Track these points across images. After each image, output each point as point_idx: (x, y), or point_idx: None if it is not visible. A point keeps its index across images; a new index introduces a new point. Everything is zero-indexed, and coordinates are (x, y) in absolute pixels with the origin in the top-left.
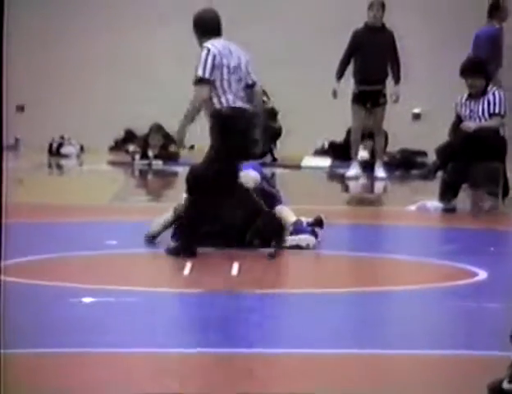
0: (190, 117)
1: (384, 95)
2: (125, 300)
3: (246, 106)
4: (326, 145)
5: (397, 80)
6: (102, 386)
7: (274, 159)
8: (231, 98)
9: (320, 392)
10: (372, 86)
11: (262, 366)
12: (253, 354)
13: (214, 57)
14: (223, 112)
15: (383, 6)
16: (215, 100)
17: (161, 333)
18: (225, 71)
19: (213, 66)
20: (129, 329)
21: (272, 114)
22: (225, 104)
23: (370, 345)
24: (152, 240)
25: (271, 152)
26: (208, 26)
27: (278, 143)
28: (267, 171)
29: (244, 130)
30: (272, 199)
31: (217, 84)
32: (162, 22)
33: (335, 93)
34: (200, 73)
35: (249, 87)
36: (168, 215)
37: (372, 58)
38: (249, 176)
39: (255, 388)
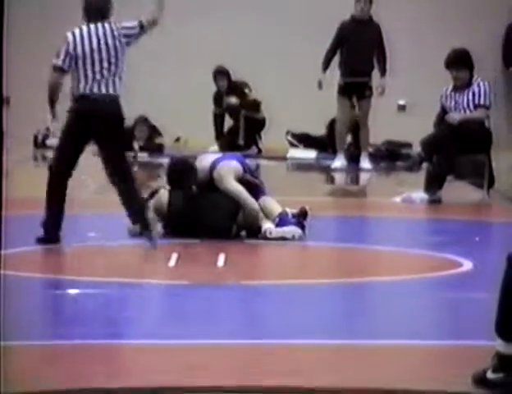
0: (49, 101)
1: (370, 87)
2: (110, 292)
3: (102, 93)
4: (292, 139)
5: (383, 72)
6: (90, 377)
7: (259, 151)
8: (85, 86)
9: (309, 383)
10: (358, 78)
11: (251, 357)
12: (242, 345)
13: (68, 45)
14: (75, 100)
15: None
16: (73, 87)
17: (146, 324)
18: (79, 60)
19: (67, 54)
20: (113, 320)
21: (255, 105)
22: (77, 92)
23: (357, 335)
24: (133, 234)
25: (255, 143)
26: (88, 11)
27: (262, 134)
28: (252, 162)
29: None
30: (256, 190)
31: (73, 72)
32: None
33: (320, 84)
34: (53, 60)
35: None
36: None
37: (358, 50)
38: (225, 167)
39: (244, 380)
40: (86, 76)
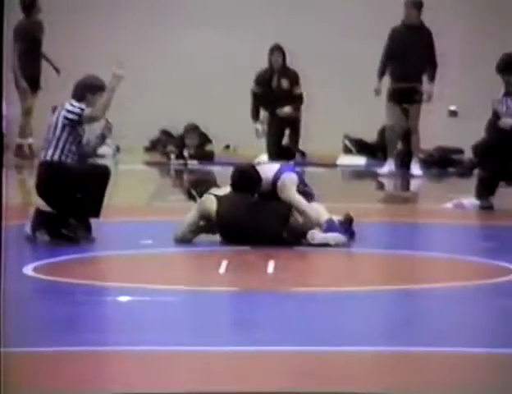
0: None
1: (420, 93)
2: (161, 299)
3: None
4: (349, 144)
5: (432, 78)
6: (144, 382)
7: (303, 154)
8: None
9: (361, 389)
10: (408, 84)
11: (301, 363)
12: (297, 351)
13: None
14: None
15: (420, 4)
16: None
17: (199, 332)
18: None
19: None
20: (166, 328)
21: (301, 102)
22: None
23: (412, 342)
24: (181, 241)
25: (298, 149)
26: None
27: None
28: (301, 169)
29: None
30: (307, 197)
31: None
32: (197, 24)
33: (377, 92)
34: None
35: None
36: (192, 213)
37: (408, 56)
38: (288, 178)
39: (291, 385)
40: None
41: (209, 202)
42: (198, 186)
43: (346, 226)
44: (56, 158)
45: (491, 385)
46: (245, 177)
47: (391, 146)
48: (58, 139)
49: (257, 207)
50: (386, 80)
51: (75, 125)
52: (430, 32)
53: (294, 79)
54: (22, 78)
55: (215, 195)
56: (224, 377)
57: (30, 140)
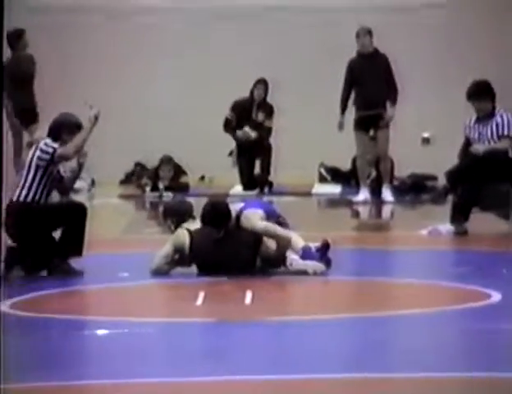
0: None
1: (385, 118)
2: (139, 332)
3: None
4: (324, 172)
5: (393, 102)
6: None
7: (270, 184)
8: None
9: None
10: (372, 110)
11: (278, 391)
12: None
13: None
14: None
15: (370, 32)
16: None
17: (177, 363)
18: None
19: None
20: (144, 359)
21: (270, 133)
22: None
23: (387, 368)
24: (156, 273)
25: (266, 181)
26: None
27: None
28: (269, 198)
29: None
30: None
31: None
32: (171, 55)
33: (341, 125)
34: None
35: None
36: (167, 247)
37: (368, 84)
38: (251, 212)
39: None
40: None
41: (182, 236)
42: (174, 217)
43: (323, 251)
44: (29, 198)
45: None
46: (216, 212)
47: (363, 174)
48: (32, 180)
49: (226, 239)
50: (352, 110)
51: (48, 165)
52: (386, 57)
53: (269, 112)
54: (13, 114)
55: (187, 230)
56: None
57: None
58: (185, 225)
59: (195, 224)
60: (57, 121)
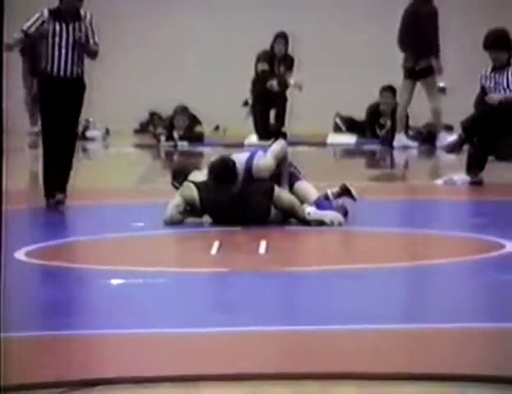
0: None
1: (432, 68)
2: (153, 282)
3: None
4: (340, 122)
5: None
6: (134, 364)
7: (285, 135)
8: None
9: (353, 369)
10: (424, 59)
11: (293, 343)
12: (286, 331)
13: None
14: None
15: None
16: None
17: (190, 313)
18: None
19: None
20: (158, 310)
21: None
22: None
23: (401, 320)
24: (169, 223)
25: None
26: None
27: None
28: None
29: None
30: (293, 179)
31: None
32: (187, 8)
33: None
34: None
35: None
36: (177, 198)
37: (423, 32)
38: (262, 164)
39: (287, 366)
40: None
41: (189, 190)
42: (179, 177)
43: (343, 195)
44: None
45: (488, 360)
46: (223, 170)
47: (401, 122)
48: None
49: (240, 193)
50: (400, 58)
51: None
52: (435, 9)
53: (289, 65)
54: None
55: (193, 182)
56: (214, 358)
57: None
58: (191, 176)
59: (201, 175)
60: None
